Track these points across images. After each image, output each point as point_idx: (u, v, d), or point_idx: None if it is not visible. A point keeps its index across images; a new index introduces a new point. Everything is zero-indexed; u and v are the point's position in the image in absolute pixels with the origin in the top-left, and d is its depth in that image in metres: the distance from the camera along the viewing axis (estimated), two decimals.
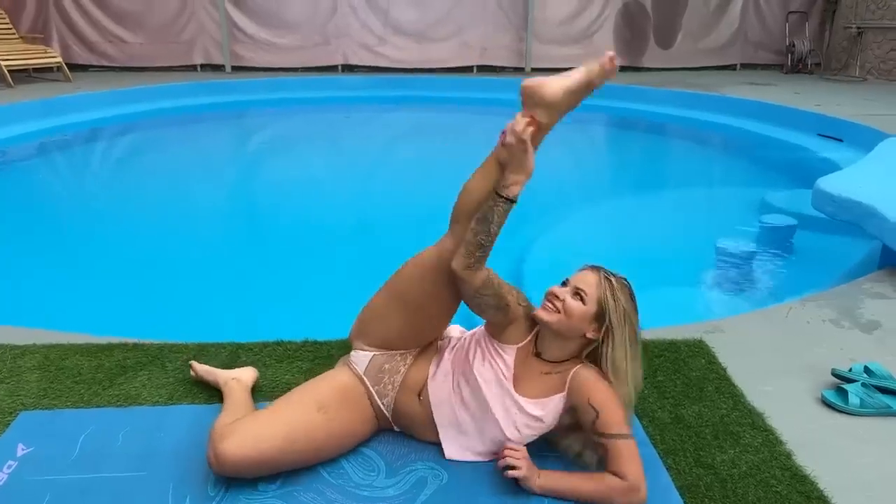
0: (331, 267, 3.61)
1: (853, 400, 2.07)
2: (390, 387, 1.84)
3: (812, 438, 1.95)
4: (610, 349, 1.73)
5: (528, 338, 1.82)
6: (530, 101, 1.73)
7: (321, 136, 7.62)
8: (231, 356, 2.27)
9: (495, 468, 1.74)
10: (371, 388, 1.83)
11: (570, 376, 1.75)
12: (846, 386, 2.12)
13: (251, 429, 1.68)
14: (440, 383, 1.83)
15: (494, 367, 1.78)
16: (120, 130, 7.34)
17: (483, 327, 1.87)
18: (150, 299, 3.19)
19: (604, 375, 1.74)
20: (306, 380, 1.95)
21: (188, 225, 4.32)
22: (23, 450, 1.83)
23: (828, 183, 3.48)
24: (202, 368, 2.12)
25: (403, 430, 1.89)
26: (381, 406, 1.84)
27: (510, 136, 1.69)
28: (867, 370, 2.17)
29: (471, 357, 1.81)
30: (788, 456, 1.86)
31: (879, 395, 2.09)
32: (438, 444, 1.84)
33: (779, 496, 1.72)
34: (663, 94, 8.39)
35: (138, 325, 2.59)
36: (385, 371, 1.84)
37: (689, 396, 2.09)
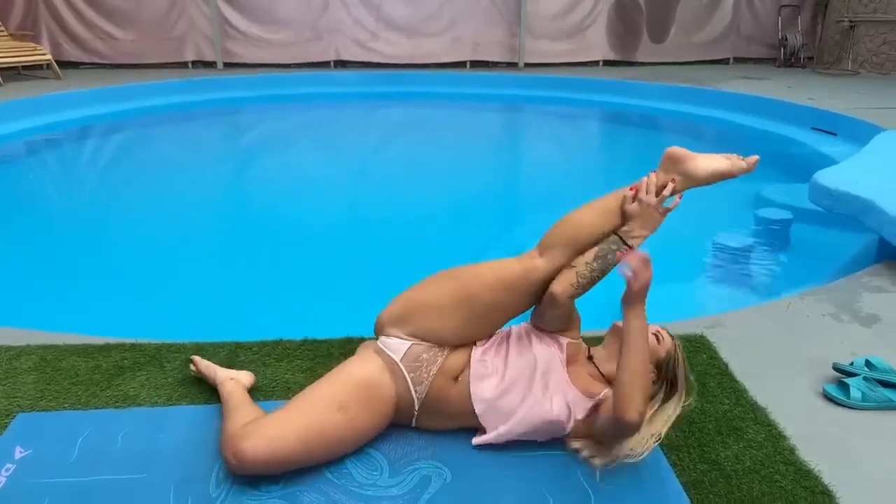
0: (329, 265, 3.58)
1: (855, 394, 2.07)
2: (426, 374, 1.82)
3: (815, 433, 1.94)
4: (661, 399, 1.77)
5: (580, 339, 1.95)
6: (672, 166, 1.83)
7: (315, 132, 7.58)
8: (230, 355, 2.25)
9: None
10: (407, 375, 1.81)
11: (606, 391, 1.80)
12: (847, 380, 2.11)
13: (272, 430, 1.68)
14: (486, 361, 1.84)
15: (550, 348, 1.87)
16: (111, 128, 7.28)
17: (529, 323, 1.97)
18: (147, 299, 3.16)
19: None
20: (307, 379, 1.94)
21: (184, 224, 4.29)
22: (21, 452, 1.81)
23: (825, 177, 3.48)
24: (203, 363, 2.10)
25: (421, 421, 1.87)
26: (413, 393, 1.81)
27: (649, 195, 1.79)
28: (868, 364, 2.17)
29: (524, 336, 1.91)
30: (792, 451, 1.86)
31: (881, 389, 2.08)
32: (457, 433, 1.85)
33: (783, 491, 1.71)
34: (656, 88, 8.38)
35: (135, 325, 2.56)
36: (423, 361, 1.82)
37: (690, 391, 2.07)
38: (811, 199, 3.51)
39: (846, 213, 3.33)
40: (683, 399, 1.77)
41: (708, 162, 1.81)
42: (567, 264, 1.81)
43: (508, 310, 1.87)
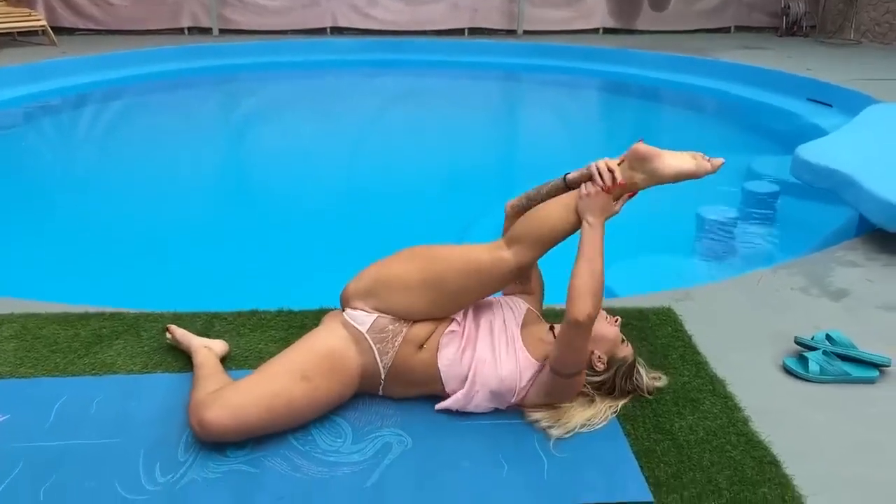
0: (307, 236, 3.62)
1: (813, 367, 2.12)
2: (391, 345, 1.87)
3: (770, 405, 2.00)
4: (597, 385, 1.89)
5: (541, 310, 2.09)
6: (638, 164, 1.84)
7: (309, 100, 7.56)
8: (206, 325, 2.31)
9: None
10: (373, 346, 1.86)
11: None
12: (807, 354, 2.16)
13: (235, 398, 1.74)
14: (453, 328, 1.91)
15: (509, 311, 1.97)
16: (106, 96, 7.26)
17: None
18: (126, 268, 3.20)
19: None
20: (280, 349, 1.99)
21: (165, 193, 4.31)
22: None
23: (807, 151, 3.49)
24: (179, 332, 2.16)
25: (388, 390, 1.92)
26: (380, 363, 1.87)
27: (591, 188, 1.83)
28: (829, 338, 2.21)
29: (487, 302, 2.00)
30: (745, 422, 1.91)
31: (839, 363, 2.13)
32: (423, 401, 1.91)
33: (732, 461, 1.77)
34: (654, 57, 8.30)
35: (114, 294, 2.61)
36: (388, 332, 1.88)
37: (652, 364, 2.13)
38: (793, 173, 3.53)
39: (826, 187, 3.35)
40: (616, 402, 1.89)
41: (674, 161, 1.83)
42: (533, 258, 1.90)
43: (473, 295, 1.93)
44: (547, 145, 5.97)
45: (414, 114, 7.03)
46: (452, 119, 6.73)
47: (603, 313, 1.89)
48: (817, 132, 5.30)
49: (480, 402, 1.88)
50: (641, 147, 1.84)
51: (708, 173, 1.84)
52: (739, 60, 7.72)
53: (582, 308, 1.72)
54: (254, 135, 6.07)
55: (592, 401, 1.86)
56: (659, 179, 1.84)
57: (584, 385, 1.87)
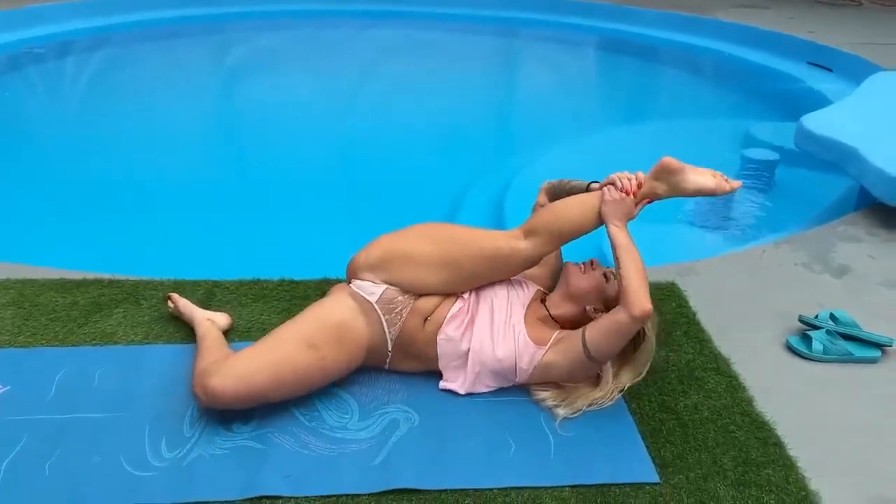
0: (310, 205, 3.55)
1: (816, 346, 2.13)
2: (399, 317, 1.87)
3: (774, 384, 2.01)
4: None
5: (548, 285, 2.08)
6: (664, 176, 1.88)
7: (304, 54, 7.38)
8: (207, 294, 2.28)
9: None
10: (382, 317, 1.86)
11: (557, 334, 1.88)
12: (811, 332, 2.17)
13: (240, 365, 1.73)
14: (457, 303, 1.90)
15: (516, 291, 1.96)
16: (92, 45, 7.04)
17: None
18: (125, 233, 3.14)
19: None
20: (283, 320, 1.97)
21: (163, 156, 4.19)
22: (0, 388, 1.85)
23: (811, 121, 3.46)
24: (181, 302, 2.13)
25: (394, 363, 1.93)
26: (387, 334, 1.87)
27: (615, 193, 1.86)
28: (833, 317, 2.22)
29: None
30: (750, 402, 1.92)
31: (842, 342, 2.14)
32: (424, 376, 1.92)
33: (737, 441, 1.78)
34: (653, 15, 8.15)
35: (112, 261, 2.56)
36: (397, 303, 1.87)
37: (657, 341, 2.12)
38: (796, 144, 3.50)
39: (830, 159, 3.33)
40: (622, 382, 1.87)
41: (696, 178, 1.88)
42: (549, 251, 1.92)
43: (485, 279, 1.94)
44: (543, 104, 5.89)
45: (411, 71, 6.88)
46: (450, 76, 6.61)
47: (575, 266, 1.96)
48: (816, 97, 5.25)
49: (482, 381, 1.88)
50: (670, 161, 1.88)
51: (725, 194, 1.91)
52: (740, 20, 7.60)
53: (641, 304, 1.75)
54: (251, 92, 5.91)
55: (598, 382, 1.86)
56: (680, 192, 1.90)
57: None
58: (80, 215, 3.35)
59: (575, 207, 1.90)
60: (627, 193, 1.85)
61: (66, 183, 3.78)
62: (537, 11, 8.56)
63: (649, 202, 1.91)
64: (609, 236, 1.84)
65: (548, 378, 1.86)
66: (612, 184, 1.89)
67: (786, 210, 3.72)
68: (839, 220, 3.08)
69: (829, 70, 6.25)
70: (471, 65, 7.22)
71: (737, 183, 1.90)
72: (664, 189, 1.89)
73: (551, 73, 7.23)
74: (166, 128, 4.80)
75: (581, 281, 1.92)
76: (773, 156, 4.24)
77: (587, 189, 1.98)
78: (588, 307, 1.91)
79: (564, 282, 1.96)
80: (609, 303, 1.91)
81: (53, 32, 6.76)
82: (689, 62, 7.29)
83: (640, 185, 1.88)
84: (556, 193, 2.06)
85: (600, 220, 1.87)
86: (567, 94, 6.41)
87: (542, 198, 2.12)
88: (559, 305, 1.94)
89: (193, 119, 5.15)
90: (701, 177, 1.88)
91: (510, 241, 1.89)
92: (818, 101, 4.93)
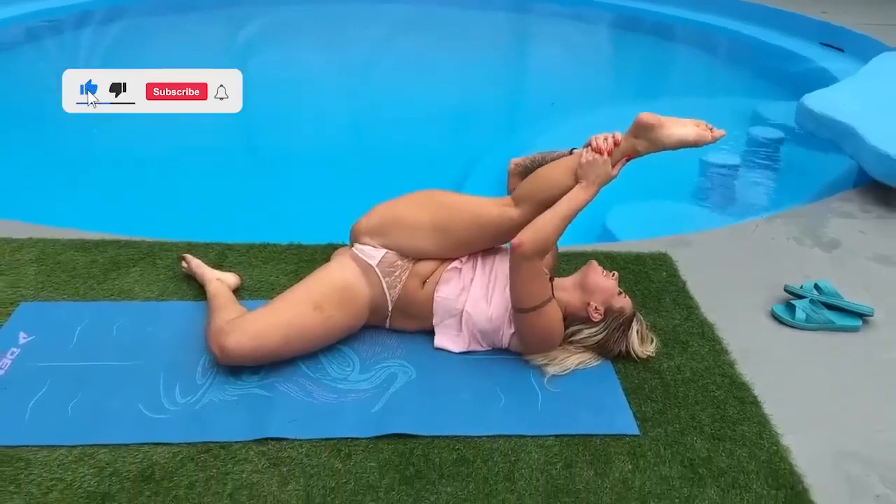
0: (319, 173, 3.66)
1: (799, 315, 2.22)
2: (399, 279, 1.98)
3: (756, 349, 2.10)
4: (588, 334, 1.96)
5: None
6: (642, 133, 1.88)
7: (317, 28, 7.42)
8: (219, 256, 2.39)
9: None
10: (382, 279, 1.97)
11: None
12: (795, 302, 2.26)
13: (254, 326, 1.85)
14: (458, 266, 2.00)
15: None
16: (110, 15, 7.13)
17: None
18: (142, 198, 3.26)
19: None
20: (292, 281, 2.09)
21: (180, 126, 4.29)
22: (24, 338, 1.98)
23: (812, 99, 3.51)
24: (194, 262, 2.25)
25: (394, 322, 2.04)
26: (388, 295, 1.98)
27: (588, 154, 1.88)
28: (817, 287, 2.31)
29: (494, 248, 2.06)
30: (731, 365, 2.02)
31: (825, 311, 2.23)
32: (422, 335, 2.03)
33: (715, 400, 1.89)
34: None
35: (129, 223, 2.68)
36: (397, 266, 1.98)
37: (646, 307, 2.23)
38: (797, 122, 3.55)
39: (828, 137, 3.38)
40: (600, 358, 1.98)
41: (676, 129, 1.87)
42: (537, 215, 1.93)
43: (477, 245, 2.03)
44: (554, 81, 5.92)
45: (421, 45, 6.91)
46: (461, 51, 6.64)
47: (600, 268, 1.98)
48: (827, 77, 5.26)
49: (475, 340, 1.99)
50: (645, 116, 1.88)
51: (707, 143, 1.89)
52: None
53: (523, 236, 1.82)
54: (265, 64, 5.98)
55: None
56: (661, 147, 1.89)
57: (573, 342, 1.96)
58: (99, 180, 3.47)
59: (557, 172, 1.94)
60: (601, 153, 1.88)
61: (87, 150, 3.89)
62: None
63: (629, 160, 1.91)
64: (571, 191, 1.88)
65: (520, 345, 1.97)
66: (589, 145, 1.92)
67: (785, 187, 3.78)
68: (834, 196, 3.14)
69: (841, 50, 6.24)
70: (483, 41, 7.24)
71: (720, 132, 1.88)
72: (644, 145, 1.89)
73: (563, 50, 7.24)
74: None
75: (600, 279, 1.95)
76: (778, 134, 4.29)
77: (570, 154, 2.01)
78: (591, 304, 1.94)
79: (583, 273, 1.99)
80: (610, 311, 1.95)
81: (70, 4, 6.84)
82: (701, 40, 7.28)
83: (616, 144, 1.89)
84: (532, 169, 2.06)
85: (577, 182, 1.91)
86: (578, 71, 6.43)
87: (514, 181, 2.11)
88: (567, 290, 1.98)
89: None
90: (682, 128, 1.87)
91: (501, 209, 1.97)
92: (828, 82, 4.93)
